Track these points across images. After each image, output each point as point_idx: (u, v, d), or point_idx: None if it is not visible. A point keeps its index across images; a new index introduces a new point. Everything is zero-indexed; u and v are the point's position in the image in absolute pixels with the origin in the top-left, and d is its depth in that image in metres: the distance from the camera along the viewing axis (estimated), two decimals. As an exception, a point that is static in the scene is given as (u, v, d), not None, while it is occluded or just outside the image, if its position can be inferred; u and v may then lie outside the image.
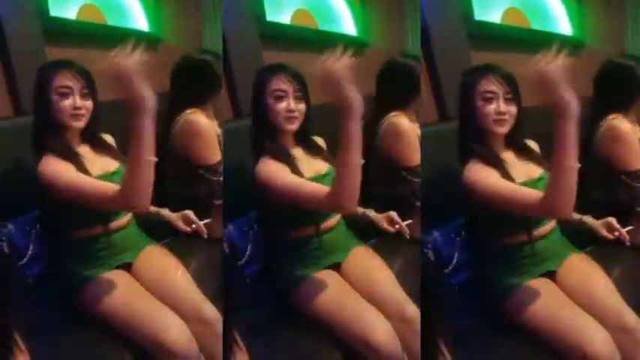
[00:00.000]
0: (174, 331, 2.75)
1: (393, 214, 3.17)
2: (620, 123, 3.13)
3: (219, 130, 3.21)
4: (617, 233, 3.02)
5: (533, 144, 3.01)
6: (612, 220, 3.04)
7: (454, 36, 3.48)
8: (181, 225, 3.13)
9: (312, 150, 3.05)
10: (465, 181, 2.84)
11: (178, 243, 3.09)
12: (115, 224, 2.90)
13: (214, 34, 3.49)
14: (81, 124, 2.87)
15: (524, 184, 2.85)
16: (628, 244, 3.02)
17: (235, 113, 3.38)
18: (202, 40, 3.63)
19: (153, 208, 3.03)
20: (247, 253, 2.99)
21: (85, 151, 2.92)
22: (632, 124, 3.14)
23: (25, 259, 2.87)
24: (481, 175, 2.83)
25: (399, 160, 3.26)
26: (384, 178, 3.26)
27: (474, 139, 2.88)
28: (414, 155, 3.18)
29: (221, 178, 3.14)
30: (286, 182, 2.87)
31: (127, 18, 3.77)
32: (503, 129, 2.87)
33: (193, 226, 3.11)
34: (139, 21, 3.82)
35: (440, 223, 2.97)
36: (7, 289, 2.78)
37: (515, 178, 2.84)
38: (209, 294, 2.88)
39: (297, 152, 3.01)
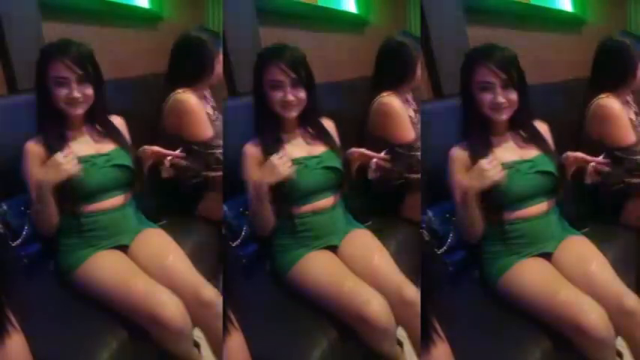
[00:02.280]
0: (169, 307, 2.75)
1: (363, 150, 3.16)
2: (608, 102, 3.15)
3: (210, 110, 3.24)
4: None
5: (541, 125, 2.98)
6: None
7: (450, 10, 3.44)
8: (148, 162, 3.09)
9: (314, 134, 3.03)
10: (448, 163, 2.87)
11: (175, 224, 3.08)
12: (107, 203, 2.89)
13: (217, 11, 3.47)
14: (78, 111, 2.86)
15: (511, 162, 2.86)
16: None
17: (232, 91, 3.36)
18: (205, 17, 3.60)
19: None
20: (243, 233, 2.97)
21: (82, 135, 2.92)
22: (623, 104, 3.16)
23: (19, 240, 2.86)
24: (453, 165, 2.86)
25: (392, 138, 3.25)
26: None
27: (473, 123, 2.88)
28: (405, 132, 3.20)
29: (216, 151, 3.17)
30: (248, 173, 2.92)
31: (126, -6, 3.75)
32: (503, 116, 2.86)
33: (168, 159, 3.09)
34: (139, -3, 3.80)
35: (437, 203, 2.96)
36: (1, 269, 2.78)
37: (503, 157, 2.85)
38: (205, 274, 2.87)
39: (295, 137, 3.00)
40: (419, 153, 3.09)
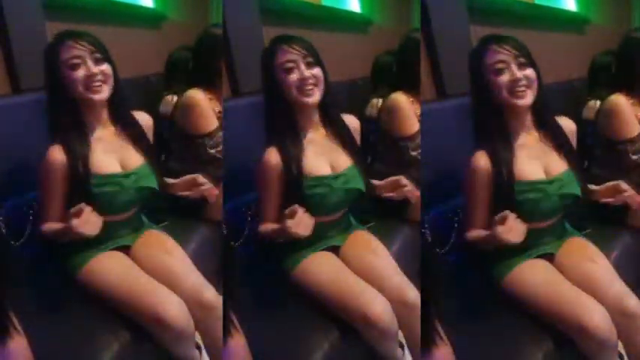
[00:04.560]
0: (172, 307, 2.74)
1: (400, 177, 3.11)
2: (615, 97, 3.13)
3: (218, 107, 3.22)
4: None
5: (566, 122, 2.90)
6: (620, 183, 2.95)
7: (453, 9, 3.42)
8: (187, 192, 3.06)
9: (337, 134, 2.93)
10: (467, 169, 2.78)
11: (176, 225, 3.07)
12: (120, 216, 2.86)
13: (220, 11, 3.47)
14: (102, 95, 2.75)
15: (538, 183, 2.78)
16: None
17: (234, 91, 3.36)
18: (209, 17, 3.60)
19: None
20: (245, 233, 2.96)
21: (107, 135, 2.83)
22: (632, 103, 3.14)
23: (22, 240, 2.84)
24: (475, 176, 2.76)
25: (396, 133, 3.26)
26: (386, 152, 3.26)
27: (491, 120, 2.77)
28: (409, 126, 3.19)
29: (216, 149, 3.16)
30: (262, 187, 2.85)
31: (131, -7, 3.74)
32: (525, 100, 2.73)
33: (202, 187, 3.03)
34: (144, -4, 3.79)
35: (439, 204, 2.94)
36: (3, 270, 2.77)
37: (529, 173, 2.77)
38: (207, 275, 2.86)
39: (318, 135, 2.92)
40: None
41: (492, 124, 2.78)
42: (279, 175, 2.83)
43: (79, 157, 2.74)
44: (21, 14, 3.21)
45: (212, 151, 3.18)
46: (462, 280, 2.91)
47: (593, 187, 3.00)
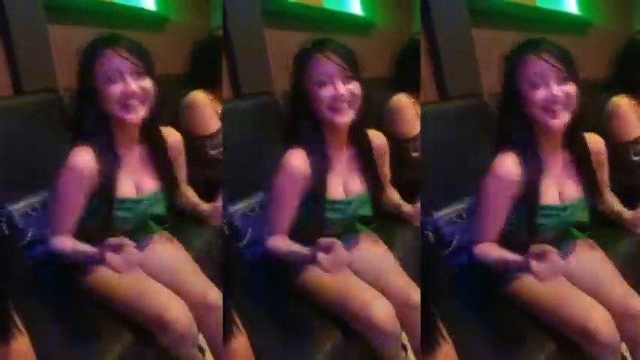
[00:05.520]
0: (174, 309, 2.73)
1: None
2: (617, 99, 3.13)
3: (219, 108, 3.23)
4: None
5: (595, 139, 2.78)
6: None
7: (455, 12, 3.41)
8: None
9: (361, 156, 2.80)
10: (489, 171, 2.66)
11: (179, 226, 3.05)
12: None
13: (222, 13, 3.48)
14: (137, 116, 2.54)
15: (553, 208, 2.72)
16: None
17: (236, 93, 3.36)
18: (211, 19, 3.61)
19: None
20: (248, 235, 2.95)
21: (132, 153, 2.70)
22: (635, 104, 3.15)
23: (25, 241, 2.84)
24: (499, 183, 2.64)
25: (398, 134, 3.25)
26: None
27: (519, 133, 2.63)
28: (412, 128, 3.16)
29: (216, 150, 3.15)
30: (279, 189, 2.74)
31: (134, -4, 3.76)
32: (559, 121, 2.54)
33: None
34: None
35: (441, 205, 2.93)
36: (6, 271, 2.77)
37: (547, 197, 2.68)
38: (209, 276, 2.86)
39: (341, 155, 2.77)
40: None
41: (521, 137, 2.65)
42: (303, 183, 2.71)
43: (106, 172, 2.62)
44: (23, 17, 3.22)
45: (213, 152, 3.19)
46: (465, 281, 2.90)
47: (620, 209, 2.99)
